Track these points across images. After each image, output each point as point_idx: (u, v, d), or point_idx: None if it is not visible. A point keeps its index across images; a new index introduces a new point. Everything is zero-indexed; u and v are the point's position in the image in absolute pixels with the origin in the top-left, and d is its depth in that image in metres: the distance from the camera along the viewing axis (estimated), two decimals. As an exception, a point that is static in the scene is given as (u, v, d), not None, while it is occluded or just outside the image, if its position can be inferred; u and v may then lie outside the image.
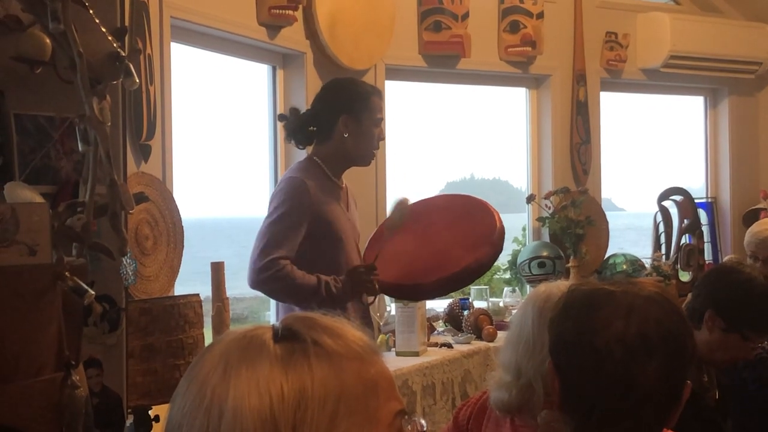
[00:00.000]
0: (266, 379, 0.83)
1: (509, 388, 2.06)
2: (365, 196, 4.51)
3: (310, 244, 3.14)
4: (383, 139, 3.40)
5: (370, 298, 3.33)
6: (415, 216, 3.38)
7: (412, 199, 3.42)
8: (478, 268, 3.35)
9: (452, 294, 4.72)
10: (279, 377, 0.83)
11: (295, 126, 3.31)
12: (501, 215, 3.41)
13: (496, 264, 6.24)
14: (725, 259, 5.90)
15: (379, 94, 3.37)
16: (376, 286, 3.22)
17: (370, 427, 0.86)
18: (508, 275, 5.62)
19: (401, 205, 3.32)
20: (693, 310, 2.47)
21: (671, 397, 1.50)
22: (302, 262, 3.12)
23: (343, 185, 3.35)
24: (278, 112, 4.16)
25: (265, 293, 3.25)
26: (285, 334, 0.88)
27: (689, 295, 2.64)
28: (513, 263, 5.34)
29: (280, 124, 3.44)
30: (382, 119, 3.33)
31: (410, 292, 3.44)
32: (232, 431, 0.82)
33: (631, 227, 8.35)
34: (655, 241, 5.83)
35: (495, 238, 3.30)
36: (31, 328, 1.84)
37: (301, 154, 3.52)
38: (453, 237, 3.37)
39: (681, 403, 1.51)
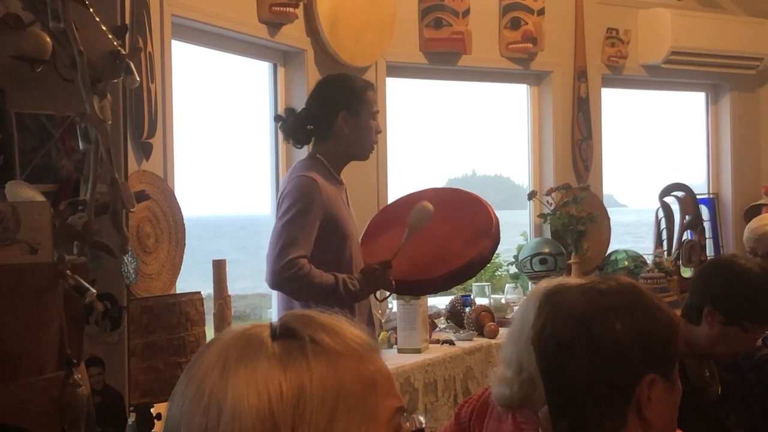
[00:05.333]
0: (265, 377, 0.84)
1: (511, 383, 2.07)
2: (367, 193, 4.51)
3: (318, 241, 3.14)
4: (380, 132, 3.41)
5: (385, 294, 3.30)
6: (407, 210, 3.37)
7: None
8: (481, 261, 3.39)
9: (454, 291, 4.73)
10: (277, 375, 0.84)
11: (293, 126, 3.31)
12: (503, 212, 3.42)
13: (499, 260, 6.27)
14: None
15: (372, 87, 3.38)
16: (393, 283, 3.23)
17: (369, 424, 0.86)
18: (512, 270, 5.60)
19: (425, 209, 3.25)
20: (691, 306, 2.47)
21: (613, 390, 1.44)
22: (309, 258, 3.12)
23: (343, 182, 3.36)
24: (279, 110, 4.15)
25: (285, 293, 3.21)
26: (283, 332, 0.88)
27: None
28: (518, 258, 5.35)
29: (277, 125, 3.43)
30: (377, 112, 3.35)
31: (414, 287, 3.45)
32: (231, 430, 0.82)
33: (633, 223, 8.34)
34: (656, 237, 5.83)
35: (494, 230, 3.34)
36: (32, 327, 1.85)
37: (302, 152, 3.52)
38: (451, 231, 3.38)
39: (635, 396, 1.43)
